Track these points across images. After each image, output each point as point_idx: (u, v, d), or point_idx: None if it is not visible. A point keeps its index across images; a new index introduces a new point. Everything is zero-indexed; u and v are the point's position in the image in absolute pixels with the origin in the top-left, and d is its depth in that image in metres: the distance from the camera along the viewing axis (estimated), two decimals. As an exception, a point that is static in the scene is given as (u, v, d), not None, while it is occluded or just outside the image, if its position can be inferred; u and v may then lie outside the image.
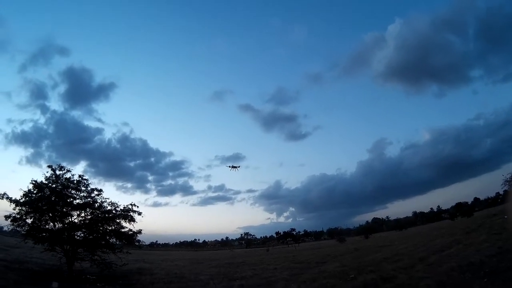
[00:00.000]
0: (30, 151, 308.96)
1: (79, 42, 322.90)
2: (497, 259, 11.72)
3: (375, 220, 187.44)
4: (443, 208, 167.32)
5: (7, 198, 18.14)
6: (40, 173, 19.18)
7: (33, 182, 19.01)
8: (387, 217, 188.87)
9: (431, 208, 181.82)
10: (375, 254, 25.28)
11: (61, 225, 18.82)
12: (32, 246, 20.07)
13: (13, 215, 18.14)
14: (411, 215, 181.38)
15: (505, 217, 27.33)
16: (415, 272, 13.40)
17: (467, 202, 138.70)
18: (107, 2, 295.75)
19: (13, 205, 18.11)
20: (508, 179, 43.85)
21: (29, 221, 18.41)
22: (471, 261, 12.46)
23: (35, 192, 18.74)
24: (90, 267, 19.34)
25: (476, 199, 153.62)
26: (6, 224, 18.64)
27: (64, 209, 18.81)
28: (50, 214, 18.49)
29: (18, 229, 18.52)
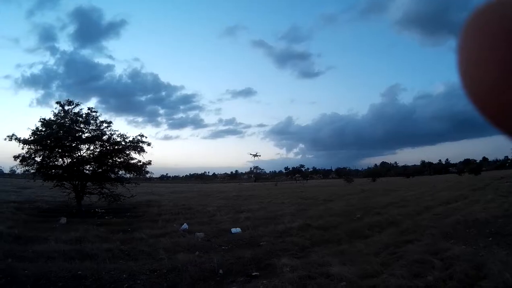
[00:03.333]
0: (40, 93, 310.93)
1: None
2: (503, 221, 11.60)
3: (384, 164, 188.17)
4: (452, 162, 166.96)
5: (16, 138, 18.04)
6: (51, 113, 19.43)
7: (42, 120, 18.75)
8: (395, 162, 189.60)
9: (440, 160, 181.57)
10: (382, 198, 25.41)
11: (70, 160, 18.80)
12: (41, 184, 20.31)
13: (22, 154, 18.18)
14: (419, 164, 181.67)
15: None
16: (421, 220, 13.40)
17: (475, 160, 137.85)
18: None
19: (22, 146, 18.06)
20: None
21: (38, 159, 18.41)
22: (477, 218, 12.38)
23: (43, 129, 18.50)
24: (98, 201, 19.59)
25: (484, 159, 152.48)
26: (16, 165, 18.60)
27: (73, 144, 18.70)
28: (59, 150, 18.39)
29: (27, 168, 18.55)
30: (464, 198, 20.50)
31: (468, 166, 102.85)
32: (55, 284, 6.64)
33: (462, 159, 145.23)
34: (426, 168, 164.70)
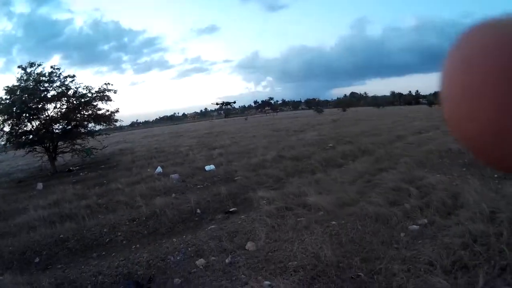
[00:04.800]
0: (2, 60, 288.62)
1: None
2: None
3: (353, 94, 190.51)
4: (422, 93, 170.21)
5: None
6: (14, 79, 18.73)
7: (5, 88, 18.00)
8: (365, 93, 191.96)
9: (410, 91, 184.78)
10: (353, 127, 25.81)
11: (38, 122, 18.36)
12: (14, 155, 20.04)
13: None
14: (389, 94, 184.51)
15: None
16: (393, 149, 13.67)
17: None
18: None
19: None
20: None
21: (6, 129, 17.81)
22: (450, 148, 12.68)
23: (8, 97, 17.81)
24: (72, 159, 19.59)
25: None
26: None
27: (39, 105, 18.19)
28: (26, 115, 17.83)
29: None
30: (436, 129, 20.95)
31: (439, 98, 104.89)
32: (39, 253, 6.63)
33: (432, 92, 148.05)
34: (396, 98, 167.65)
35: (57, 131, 19.12)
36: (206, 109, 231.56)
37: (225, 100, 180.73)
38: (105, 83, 20.55)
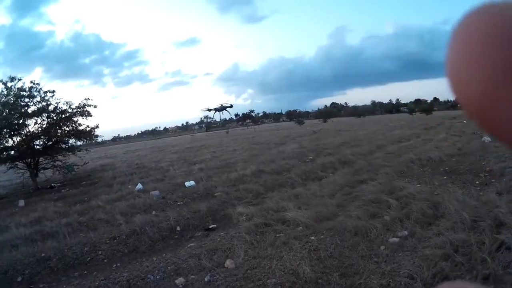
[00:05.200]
0: None
1: None
2: (457, 160, 12.01)
3: (334, 105, 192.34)
4: (402, 102, 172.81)
5: None
6: None
7: None
8: (346, 103, 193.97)
9: (390, 100, 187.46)
10: (334, 138, 25.88)
11: (20, 138, 18.08)
12: None
13: None
14: (369, 103, 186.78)
15: (465, 122, 28.23)
16: (374, 159, 13.72)
17: (426, 100, 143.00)
18: None
19: None
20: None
21: None
22: (431, 157, 12.78)
23: None
24: (53, 175, 19.31)
25: (435, 99, 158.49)
26: None
27: (20, 121, 17.98)
28: (7, 130, 17.54)
29: None
30: (417, 137, 21.16)
31: (420, 106, 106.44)
32: (22, 272, 6.53)
33: (413, 99, 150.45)
34: (377, 107, 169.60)
35: (38, 147, 18.97)
36: (187, 122, 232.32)
37: (206, 114, 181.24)
38: (85, 98, 20.27)
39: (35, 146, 18.79)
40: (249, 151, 22.39)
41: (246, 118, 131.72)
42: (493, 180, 8.66)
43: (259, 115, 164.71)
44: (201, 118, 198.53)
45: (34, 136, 18.49)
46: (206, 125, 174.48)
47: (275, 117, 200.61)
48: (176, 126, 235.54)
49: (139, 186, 13.49)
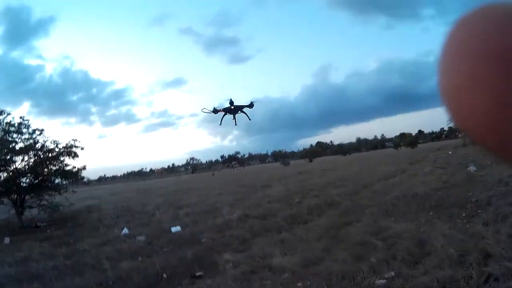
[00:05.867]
0: None
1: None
2: (443, 193, 12.16)
3: (319, 144, 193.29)
4: (387, 137, 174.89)
5: None
6: None
7: None
8: (331, 141, 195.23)
9: (375, 136, 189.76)
10: (320, 179, 26.04)
11: (6, 174, 18.08)
12: None
13: None
14: (355, 141, 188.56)
15: (450, 152, 28.65)
16: (360, 199, 13.81)
17: (411, 134, 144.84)
18: None
19: None
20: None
21: None
22: (416, 192, 12.90)
23: None
24: (39, 214, 18.99)
25: (420, 132, 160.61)
26: None
27: (7, 157, 18.00)
28: None
29: None
30: (402, 173, 21.40)
31: (405, 139, 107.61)
32: None
33: (398, 133, 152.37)
34: (362, 144, 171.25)
35: (24, 184, 18.73)
36: (173, 164, 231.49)
37: (192, 156, 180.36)
38: (72, 139, 20.27)
39: (22, 183, 18.58)
40: (235, 195, 22.31)
41: (232, 160, 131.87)
42: (479, 211, 8.79)
43: (245, 156, 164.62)
44: (187, 159, 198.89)
45: (20, 173, 18.40)
46: (192, 166, 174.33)
47: (261, 158, 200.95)
48: (162, 167, 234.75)
49: (125, 230, 13.39)
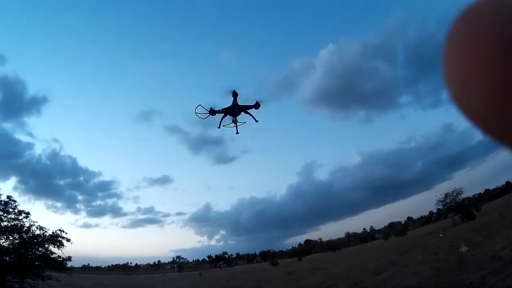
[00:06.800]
0: None
1: (15, 49, 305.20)
2: (435, 281, 11.92)
3: (308, 242, 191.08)
4: (376, 228, 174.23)
5: None
6: None
7: None
8: (320, 238, 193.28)
9: (364, 229, 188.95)
10: (309, 278, 25.40)
11: None
12: None
13: None
14: (343, 236, 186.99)
15: (440, 235, 28.52)
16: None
17: (400, 222, 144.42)
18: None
19: None
20: (441, 199, 47.12)
21: None
22: (408, 285, 12.62)
23: None
24: None
25: (409, 218, 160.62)
26: None
27: None
28: None
29: None
30: (393, 265, 21.01)
31: (394, 229, 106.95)
32: None
33: (386, 223, 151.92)
34: (351, 239, 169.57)
35: (6, 262, 18.61)
36: (159, 261, 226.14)
37: (179, 254, 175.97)
38: (59, 229, 20.76)
39: (4, 261, 18.53)
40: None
41: (219, 260, 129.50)
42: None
43: (233, 256, 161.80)
44: (173, 257, 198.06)
45: (4, 251, 18.43)
46: (178, 265, 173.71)
47: (249, 258, 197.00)
48: (148, 263, 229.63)
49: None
